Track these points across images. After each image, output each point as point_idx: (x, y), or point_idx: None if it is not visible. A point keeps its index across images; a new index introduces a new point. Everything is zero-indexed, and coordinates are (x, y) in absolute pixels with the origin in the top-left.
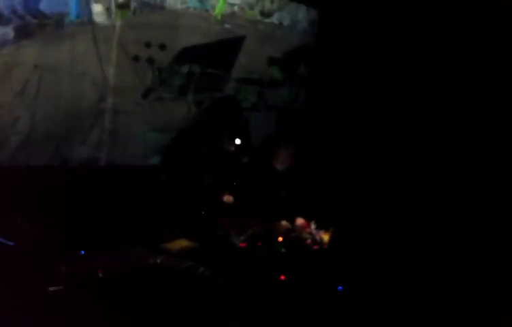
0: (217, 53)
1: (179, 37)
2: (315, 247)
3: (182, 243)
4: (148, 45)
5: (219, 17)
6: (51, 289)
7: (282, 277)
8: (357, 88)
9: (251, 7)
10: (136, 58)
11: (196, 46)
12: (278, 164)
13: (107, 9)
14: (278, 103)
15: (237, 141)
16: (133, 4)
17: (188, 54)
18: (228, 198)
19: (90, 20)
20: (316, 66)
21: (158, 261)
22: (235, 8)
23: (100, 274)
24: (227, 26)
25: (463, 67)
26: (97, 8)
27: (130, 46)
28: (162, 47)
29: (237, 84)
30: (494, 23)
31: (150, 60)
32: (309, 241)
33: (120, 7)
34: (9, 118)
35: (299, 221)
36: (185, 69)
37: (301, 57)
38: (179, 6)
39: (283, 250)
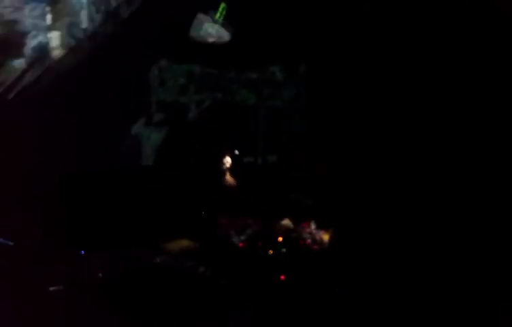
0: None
1: None
2: (315, 247)
3: (182, 243)
4: None
5: (221, 20)
6: (51, 289)
7: (282, 277)
8: (358, 89)
9: None
10: None
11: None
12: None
13: None
14: (278, 103)
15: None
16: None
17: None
18: None
19: None
20: (317, 66)
21: (158, 261)
22: None
23: (100, 274)
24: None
25: (462, 68)
26: None
27: None
28: None
29: (237, 85)
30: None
31: None
32: (309, 241)
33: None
34: None
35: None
36: (185, 69)
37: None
38: None
39: (283, 250)
